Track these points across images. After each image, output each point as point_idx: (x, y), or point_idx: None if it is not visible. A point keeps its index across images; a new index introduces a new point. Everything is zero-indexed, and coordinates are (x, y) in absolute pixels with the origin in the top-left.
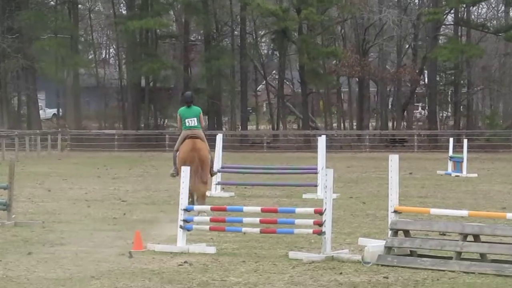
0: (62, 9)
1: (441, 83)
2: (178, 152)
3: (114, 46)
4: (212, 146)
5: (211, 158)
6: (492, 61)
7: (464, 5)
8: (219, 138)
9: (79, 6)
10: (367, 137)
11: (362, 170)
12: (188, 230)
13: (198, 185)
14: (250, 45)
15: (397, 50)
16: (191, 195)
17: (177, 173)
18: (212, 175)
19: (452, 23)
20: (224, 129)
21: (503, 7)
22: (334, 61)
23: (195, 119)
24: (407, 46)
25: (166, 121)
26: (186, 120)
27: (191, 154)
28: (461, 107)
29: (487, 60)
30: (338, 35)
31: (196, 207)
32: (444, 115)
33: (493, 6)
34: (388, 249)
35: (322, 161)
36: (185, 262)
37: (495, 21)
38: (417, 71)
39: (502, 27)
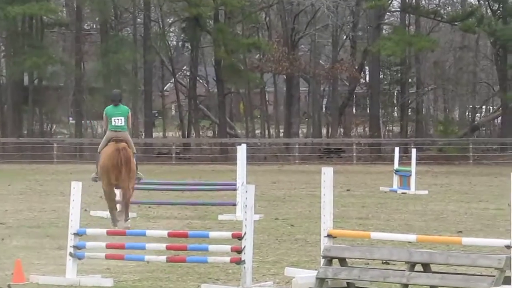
0: None
1: (385, 82)
2: (100, 155)
3: None
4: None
5: (136, 163)
6: (446, 56)
7: None
8: None
9: None
10: (297, 146)
11: (291, 186)
12: (79, 259)
13: (126, 192)
14: (156, 35)
15: (332, 42)
16: (114, 206)
17: (99, 178)
18: (137, 180)
19: (398, 9)
20: None
21: None
22: (257, 54)
23: (123, 118)
24: (344, 37)
25: (54, 127)
26: (113, 119)
27: (115, 154)
28: (409, 111)
29: (440, 55)
30: (262, 23)
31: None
32: (389, 120)
33: None
34: (321, 280)
35: (242, 175)
36: None
37: (449, 8)
38: (356, 67)
39: (458, 14)
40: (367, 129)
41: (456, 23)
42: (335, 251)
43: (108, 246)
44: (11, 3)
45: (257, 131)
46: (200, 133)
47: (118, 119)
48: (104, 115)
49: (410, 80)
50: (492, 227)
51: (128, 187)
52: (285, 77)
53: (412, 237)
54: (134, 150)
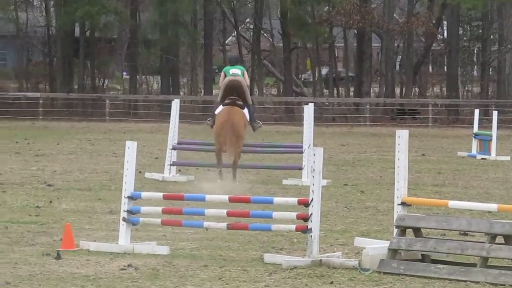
0: None
1: (464, 38)
2: (216, 116)
3: None
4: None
5: (249, 118)
6: None
7: None
8: (176, 104)
9: None
10: (368, 106)
11: (361, 150)
12: (134, 224)
13: (231, 156)
14: None
15: None
16: (220, 162)
17: (213, 124)
18: (254, 128)
19: None
20: (182, 93)
21: None
22: (326, 7)
23: (239, 71)
24: None
25: (106, 82)
26: (230, 71)
27: (226, 126)
28: (490, 70)
29: None
30: None
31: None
32: (469, 79)
33: None
34: (393, 252)
35: (309, 137)
36: (129, 265)
37: None
38: (433, 21)
39: None
40: (444, 89)
41: None
42: (409, 220)
43: (165, 211)
44: None
45: (325, 90)
46: (264, 91)
47: (235, 70)
48: (222, 73)
49: (492, 36)
50: None
51: (233, 153)
52: (356, 31)
53: (492, 207)
54: (249, 100)
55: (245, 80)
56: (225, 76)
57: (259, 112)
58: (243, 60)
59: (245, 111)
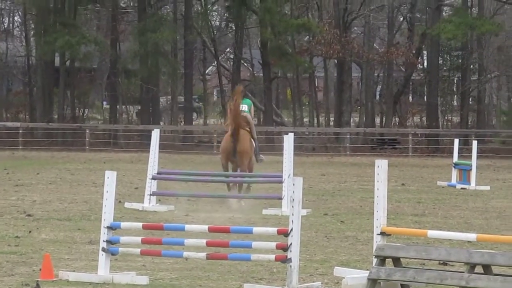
0: None
1: (444, 68)
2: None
3: (20, 13)
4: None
5: (255, 147)
6: (511, 40)
7: None
8: (155, 135)
9: None
10: (348, 136)
11: (341, 179)
12: (113, 254)
13: (237, 161)
14: (197, 14)
15: (388, 24)
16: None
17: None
18: (257, 160)
19: None
20: (162, 123)
21: None
22: (307, 37)
23: (246, 106)
24: (401, 19)
25: (86, 111)
26: None
27: (229, 139)
28: (470, 99)
29: (504, 39)
30: (312, 3)
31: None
32: (448, 109)
33: None
34: (373, 282)
35: (289, 166)
36: None
37: None
38: (413, 51)
39: None
40: (424, 118)
41: None
42: (388, 250)
43: (144, 241)
44: None
45: (305, 119)
46: None
47: (242, 106)
48: (228, 107)
49: (471, 66)
50: None
51: (240, 166)
52: (336, 61)
53: (472, 236)
54: (254, 135)
55: (251, 114)
56: None
57: None
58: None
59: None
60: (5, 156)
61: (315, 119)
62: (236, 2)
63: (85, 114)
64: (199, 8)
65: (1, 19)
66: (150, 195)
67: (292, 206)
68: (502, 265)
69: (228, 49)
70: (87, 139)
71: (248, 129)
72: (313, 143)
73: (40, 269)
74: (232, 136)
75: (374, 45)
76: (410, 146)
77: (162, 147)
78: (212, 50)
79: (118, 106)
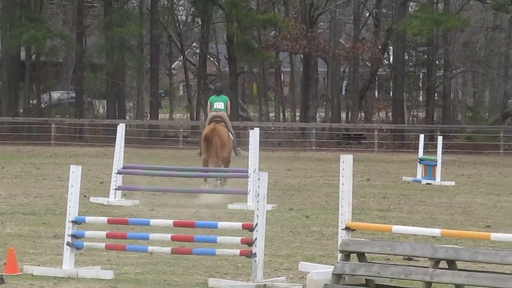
0: None
1: (410, 63)
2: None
3: None
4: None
5: (233, 140)
6: (477, 36)
7: None
8: (121, 129)
9: None
10: (314, 131)
11: (306, 174)
12: (78, 249)
13: (218, 161)
14: (163, 9)
15: (354, 20)
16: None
17: (200, 153)
18: (236, 153)
19: None
20: (128, 117)
21: None
22: (273, 32)
23: (223, 103)
24: (367, 14)
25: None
26: (215, 104)
27: (211, 134)
28: (436, 95)
29: (470, 35)
30: None
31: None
32: (414, 104)
33: None
34: (337, 277)
35: (255, 161)
36: None
37: None
38: (379, 47)
39: None
40: (390, 114)
41: (487, 1)
42: (353, 245)
43: (109, 236)
44: None
45: (271, 115)
46: None
47: (219, 104)
48: (208, 103)
49: (437, 62)
50: None
51: (218, 158)
52: (302, 56)
53: (436, 232)
54: (231, 130)
55: (228, 110)
56: (211, 106)
57: None
58: (225, 90)
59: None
60: None
61: (281, 114)
62: None
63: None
64: (165, 3)
65: None
66: (116, 189)
67: (257, 201)
68: (466, 260)
69: (194, 44)
70: (52, 133)
71: (223, 124)
72: (279, 138)
73: (5, 264)
74: (212, 131)
75: (340, 40)
76: (376, 141)
77: (128, 142)
78: (178, 45)
79: (84, 101)
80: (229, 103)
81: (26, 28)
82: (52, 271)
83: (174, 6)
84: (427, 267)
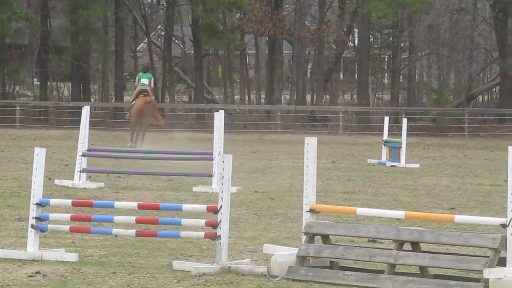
0: None
1: (375, 46)
2: (133, 103)
3: None
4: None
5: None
6: (442, 19)
7: None
8: (86, 111)
9: None
10: (279, 114)
11: (271, 157)
12: (42, 231)
13: (158, 121)
14: None
15: (319, 2)
16: (134, 132)
17: (130, 118)
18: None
19: None
20: (93, 100)
21: None
22: (238, 14)
23: (148, 80)
24: None
25: (17, 88)
26: (142, 79)
27: (144, 105)
28: (401, 77)
29: (435, 17)
30: None
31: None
32: (379, 87)
33: None
34: (302, 259)
35: (219, 144)
36: (37, 272)
37: None
38: (344, 29)
39: None
40: (355, 96)
41: None
42: (317, 227)
43: (73, 218)
44: None
45: (236, 97)
46: (175, 98)
47: (145, 80)
48: (136, 77)
49: (402, 44)
50: (487, 204)
51: (157, 119)
52: (267, 39)
53: (400, 214)
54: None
55: (151, 86)
56: (139, 80)
57: (170, 119)
58: (154, 67)
59: None
60: None
61: (246, 97)
62: None
63: (15, 91)
64: None
65: None
66: (80, 172)
67: (222, 184)
68: (430, 242)
69: (159, 26)
70: (17, 116)
71: (148, 95)
72: (244, 120)
73: None
74: (145, 104)
75: (306, 22)
76: (341, 123)
77: (93, 124)
78: (143, 27)
79: (48, 83)
80: (152, 80)
81: None
82: (17, 253)
83: None
84: (391, 249)
